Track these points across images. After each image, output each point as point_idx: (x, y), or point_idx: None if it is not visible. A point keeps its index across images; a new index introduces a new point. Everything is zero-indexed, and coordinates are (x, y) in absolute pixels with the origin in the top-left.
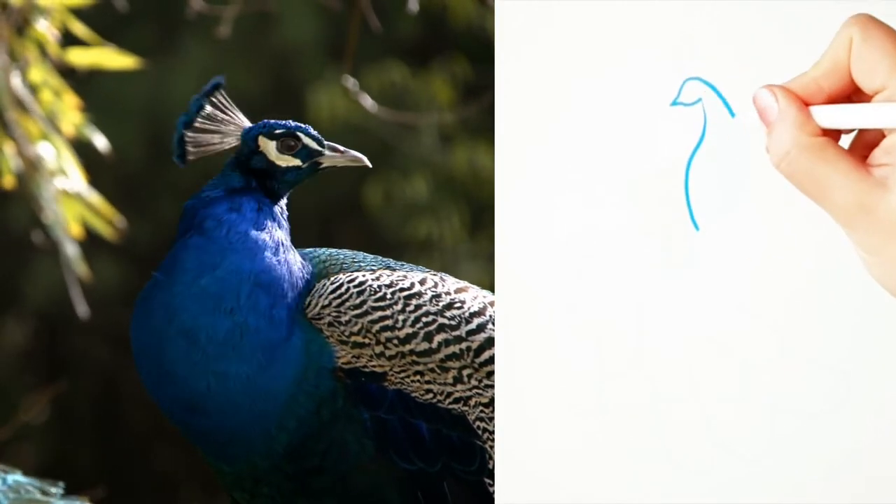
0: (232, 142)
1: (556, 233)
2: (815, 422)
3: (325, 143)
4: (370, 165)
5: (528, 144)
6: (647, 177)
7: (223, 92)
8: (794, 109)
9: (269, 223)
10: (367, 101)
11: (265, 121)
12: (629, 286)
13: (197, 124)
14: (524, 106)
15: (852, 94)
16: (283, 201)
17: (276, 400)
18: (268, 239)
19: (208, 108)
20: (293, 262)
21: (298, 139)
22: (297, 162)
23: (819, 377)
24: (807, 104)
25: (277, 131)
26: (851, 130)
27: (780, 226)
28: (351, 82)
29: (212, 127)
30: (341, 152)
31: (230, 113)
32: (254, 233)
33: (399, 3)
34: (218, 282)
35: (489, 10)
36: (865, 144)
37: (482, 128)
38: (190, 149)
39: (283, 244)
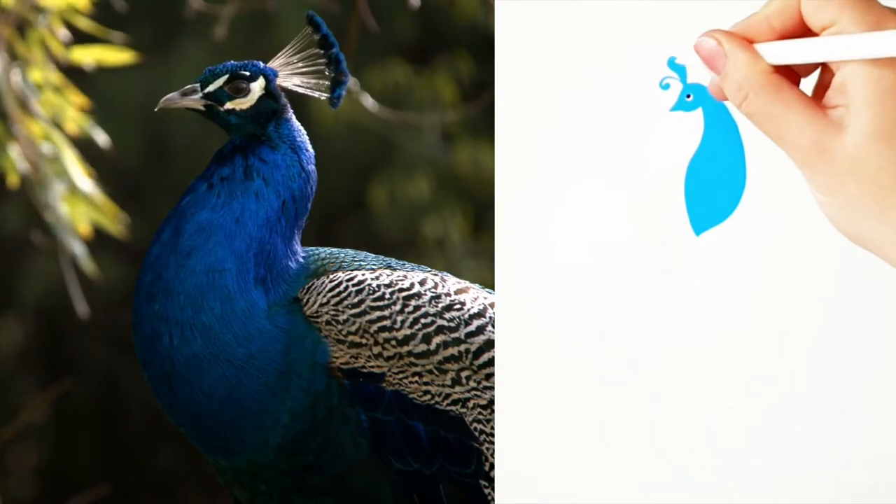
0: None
1: (556, 237)
2: (815, 430)
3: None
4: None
5: (527, 148)
6: (647, 181)
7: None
8: (741, 50)
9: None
10: (369, 102)
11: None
12: (629, 290)
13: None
14: (524, 108)
15: (803, 34)
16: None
17: (235, 348)
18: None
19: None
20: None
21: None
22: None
23: (819, 385)
24: (753, 42)
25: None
26: (803, 69)
27: (780, 233)
28: (352, 81)
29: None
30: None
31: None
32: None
33: (401, 1)
34: (189, 238)
35: (491, 7)
36: (823, 87)
37: (485, 126)
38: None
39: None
